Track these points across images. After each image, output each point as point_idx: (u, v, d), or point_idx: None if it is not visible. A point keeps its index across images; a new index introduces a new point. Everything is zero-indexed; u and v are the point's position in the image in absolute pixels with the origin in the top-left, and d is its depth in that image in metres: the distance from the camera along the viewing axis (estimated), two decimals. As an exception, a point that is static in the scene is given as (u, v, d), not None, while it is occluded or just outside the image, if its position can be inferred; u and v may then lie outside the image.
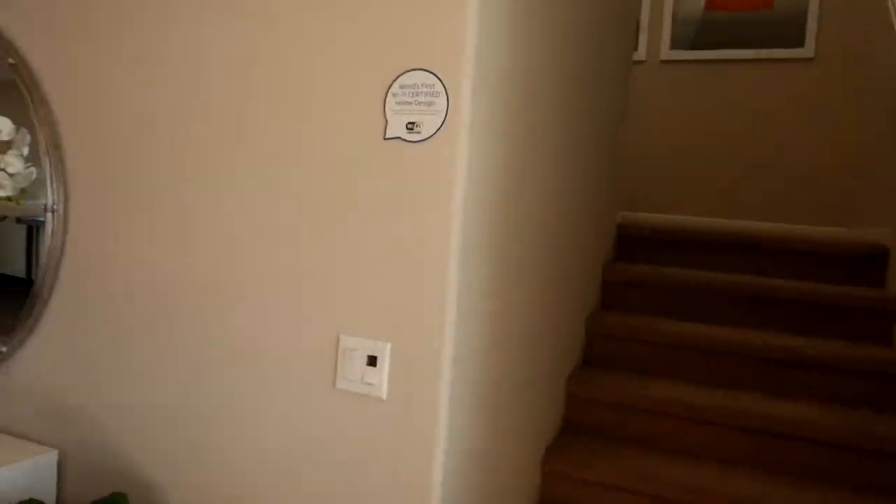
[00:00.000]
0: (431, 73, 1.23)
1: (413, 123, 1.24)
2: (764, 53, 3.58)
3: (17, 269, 1.76)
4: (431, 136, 1.23)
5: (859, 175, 3.43)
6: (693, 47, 3.72)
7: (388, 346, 1.29)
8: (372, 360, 1.30)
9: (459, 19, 1.21)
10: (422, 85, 1.24)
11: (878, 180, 3.06)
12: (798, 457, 1.92)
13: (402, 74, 1.26)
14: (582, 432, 2.18)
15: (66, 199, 1.64)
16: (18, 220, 1.73)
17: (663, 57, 3.84)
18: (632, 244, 2.81)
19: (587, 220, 2.32)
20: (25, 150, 1.67)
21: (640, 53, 3.79)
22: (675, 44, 3.77)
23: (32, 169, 1.66)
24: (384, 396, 1.28)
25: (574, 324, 2.29)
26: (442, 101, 1.22)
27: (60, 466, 1.66)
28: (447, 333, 1.25)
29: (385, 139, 1.27)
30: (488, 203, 1.35)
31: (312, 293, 1.36)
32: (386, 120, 1.27)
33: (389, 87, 1.27)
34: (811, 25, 3.47)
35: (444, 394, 1.24)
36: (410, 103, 1.25)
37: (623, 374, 2.31)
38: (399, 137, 1.26)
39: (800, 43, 3.51)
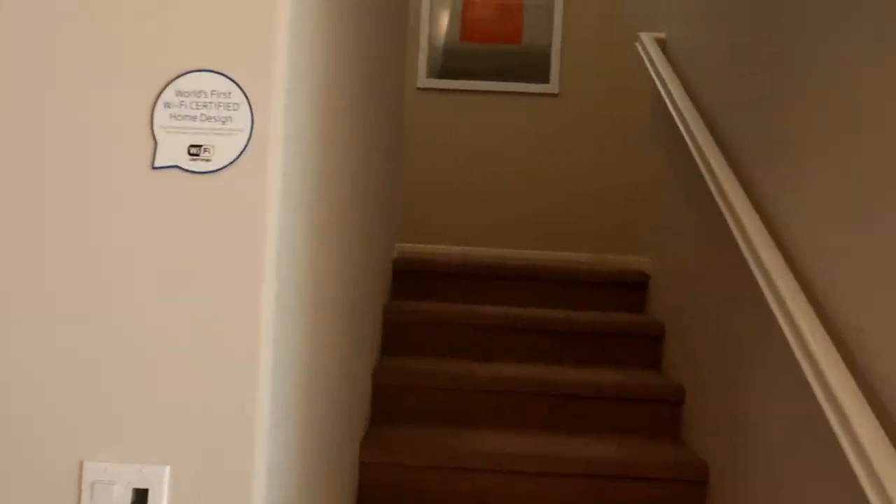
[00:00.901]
0: (227, 77, 0.87)
1: (199, 147, 0.87)
2: (514, 87, 3.70)
3: None
4: (229, 164, 0.87)
5: (609, 208, 3.68)
6: (449, 76, 3.71)
7: (167, 470, 0.88)
8: (141, 496, 0.87)
9: (267, 3, 0.87)
10: (212, 93, 0.87)
11: (628, 212, 3.29)
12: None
13: (179, 77, 0.87)
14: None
15: None
16: None
17: (419, 84, 3.77)
18: (409, 279, 2.62)
19: (373, 259, 2.06)
20: None
21: (395, 79, 3.67)
22: (432, 72, 3.73)
23: None
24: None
25: (365, 378, 2.00)
26: (243, 115, 0.87)
27: None
28: (259, 447, 0.88)
29: (154, 169, 0.87)
30: (304, 259, 1.02)
31: (39, 398, 0.89)
32: (155, 141, 0.87)
33: (160, 95, 0.87)
34: (555, 62, 3.68)
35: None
36: (194, 118, 0.87)
37: (415, 430, 2.08)
38: (177, 166, 0.87)
39: (545, 79, 3.70)
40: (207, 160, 0.86)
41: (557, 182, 3.69)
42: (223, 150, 0.86)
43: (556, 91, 3.69)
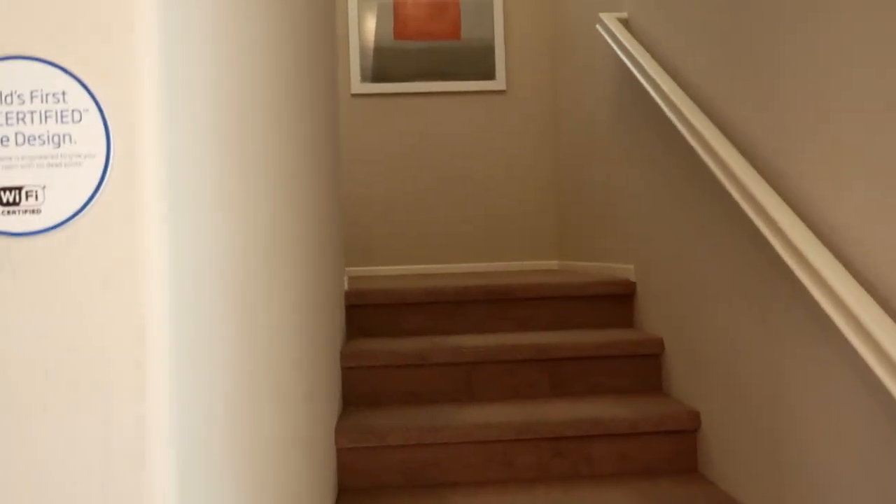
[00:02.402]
0: (58, 66, 0.51)
1: (16, 190, 0.50)
2: (457, 86, 3.39)
3: None
4: (73, 216, 0.51)
5: (571, 211, 3.40)
6: (385, 79, 3.37)
7: None
8: None
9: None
10: (32, 95, 0.51)
11: (589, 218, 3.01)
12: None
13: (-30, 70, 0.51)
14: None
15: None
16: None
17: (354, 90, 3.41)
18: (362, 312, 2.27)
19: (323, 300, 1.69)
20: None
21: (326, 87, 3.29)
22: (365, 76, 3.38)
23: None
24: None
25: (329, 449, 1.64)
26: (92, 130, 0.51)
27: None
28: None
29: (-62, 232, 0.50)
30: (221, 360, 0.66)
31: None
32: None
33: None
34: (499, 57, 3.38)
35: None
36: (7, 140, 0.51)
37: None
38: (-20, 226, 0.50)
39: (490, 75, 3.40)
40: (34, 211, 0.50)
41: (513, 185, 3.39)
42: (62, 191, 0.50)
43: (503, 87, 3.39)
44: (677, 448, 1.79)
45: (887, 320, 1.03)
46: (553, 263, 3.38)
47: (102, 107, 0.50)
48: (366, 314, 2.25)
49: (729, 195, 1.58)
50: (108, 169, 0.50)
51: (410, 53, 3.38)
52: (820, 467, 1.26)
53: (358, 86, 3.38)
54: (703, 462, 1.75)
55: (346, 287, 2.28)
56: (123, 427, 0.51)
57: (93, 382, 0.51)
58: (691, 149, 1.77)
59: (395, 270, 3.36)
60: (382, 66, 3.37)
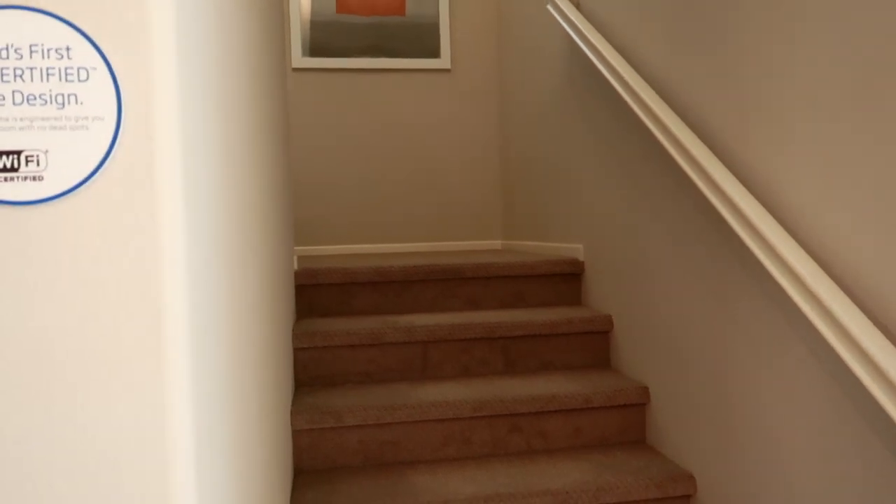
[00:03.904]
0: (61, 19, 0.46)
1: (16, 154, 0.46)
2: (400, 63, 3.34)
3: None
4: (79, 185, 0.47)
5: (514, 191, 3.42)
6: (325, 54, 3.28)
7: None
8: None
9: None
10: (32, 49, 0.46)
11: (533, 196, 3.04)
12: None
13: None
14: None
15: None
16: None
17: (295, 65, 3.31)
18: (312, 291, 2.22)
19: (279, 277, 1.64)
20: None
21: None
22: (307, 50, 3.28)
23: None
24: None
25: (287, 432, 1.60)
26: (101, 90, 0.47)
27: None
28: None
29: (-75, 201, 0.45)
30: (224, 344, 0.63)
31: None
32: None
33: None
34: (444, 35, 3.34)
35: None
36: (2, 99, 0.46)
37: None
38: (-27, 194, 0.46)
39: (435, 53, 3.36)
40: (36, 178, 0.46)
41: (458, 165, 3.39)
42: (67, 157, 0.46)
43: (447, 66, 3.36)
44: (627, 421, 1.85)
45: (841, 294, 1.09)
46: (497, 243, 3.40)
47: (113, 65, 0.46)
48: (316, 293, 2.20)
49: (683, 174, 1.63)
50: (120, 133, 0.46)
51: (354, 28, 3.30)
52: (769, 438, 1.32)
53: (299, 60, 3.29)
54: (652, 434, 1.81)
55: (295, 266, 2.23)
56: (139, 414, 0.48)
57: (102, 361, 0.47)
58: (644, 128, 1.81)
59: (335, 250, 3.30)
60: (324, 40, 3.29)
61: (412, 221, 3.35)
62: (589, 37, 2.01)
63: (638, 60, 1.85)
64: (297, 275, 2.19)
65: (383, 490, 1.58)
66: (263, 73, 1.28)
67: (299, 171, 3.29)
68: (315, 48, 3.27)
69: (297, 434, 1.73)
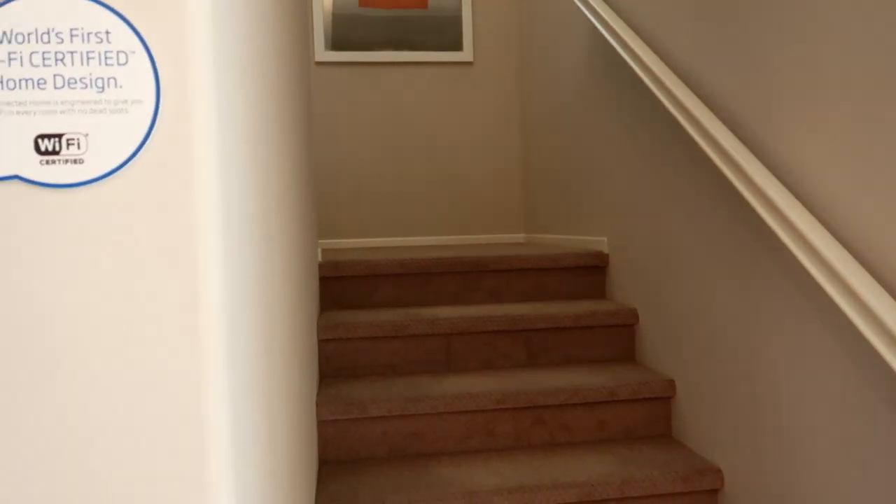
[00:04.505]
0: (107, 6, 0.47)
1: (56, 137, 0.46)
2: (423, 56, 3.34)
3: None
4: (118, 168, 0.47)
5: (535, 184, 3.41)
6: (348, 48, 3.28)
7: None
8: None
9: None
10: (72, 33, 0.47)
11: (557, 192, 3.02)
12: None
13: None
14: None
15: None
16: None
17: (318, 58, 3.32)
18: (335, 283, 2.23)
19: (306, 270, 1.65)
20: None
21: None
22: (330, 43, 3.29)
23: None
24: None
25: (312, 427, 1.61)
26: (140, 73, 0.47)
27: None
28: None
29: (-31, 184, 0.46)
30: (253, 333, 0.63)
31: None
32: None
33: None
34: (467, 27, 3.33)
35: None
36: (41, 82, 0.46)
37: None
38: (16, 177, 0.46)
39: (457, 46, 3.35)
40: (76, 161, 0.46)
41: (480, 158, 3.38)
42: (106, 140, 0.47)
43: (469, 59, 3.36)
44: (652, 415, 1.83)
45: (875, 284, 1.07)
46: (520, 237, 3.39)
47: (151, 49, 0.47)
48: (339, 286, 2.21)
49: (710, 164, 1.61)
50: (158, 117, 0.47)
51: (376, 21, 3.31)
52: (799, 431, 1.30)
53: (322, 53, 3.30)
54: (677, 428, 1.80)
55: (319, 258, 2.24)
56: (176, 391, 0.48)
57: (142, 340, 0.48)
58: (669, 118, 1.79)
59: (356, 243, 3.32)
60: (347, 33, 3.29)
61: (434, 215, 3.35)
62: (613, 25, 1.99)
63: (662, 48, 1.83)
64: (321, 267, 2.20)
65: (408, 481, 1.59)
66: (290, 65, 1.29)
67: (321, 165, 3.31)
68: (337, 42, 3.28)
69: (321, 425, 1.74)
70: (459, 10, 3.33)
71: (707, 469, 1.58)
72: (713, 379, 1.61)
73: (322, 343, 1.98)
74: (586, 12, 2.20)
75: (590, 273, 2.29)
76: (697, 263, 1.67)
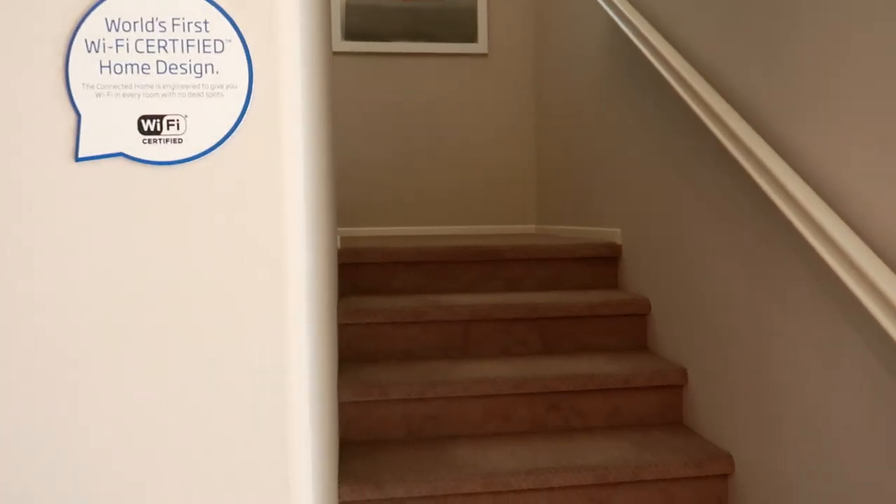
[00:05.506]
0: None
1: (158, 119, 0.50)
2: (437, 48, 3.37)
3: None
4: (214, 147, 0.51)
5: (550, 174, 3.44)
6: (363, 38, 3.31)
7: None
8: None
9: None
10: (175, 22, 0.50)
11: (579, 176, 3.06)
12: None
13: (111, -5, 0.50)
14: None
15: None
16: None
17: (335, 48, 3.35)
18: (355, 270, 2.27)
19: (328, 253, 1.69)
20: None
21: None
22: (346, 33, 3.32)
23: None
24: None
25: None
26: (235, 61, 0.51)
27: None
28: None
29: (78, 161, 0.50)
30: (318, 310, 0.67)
31: None
32: (76, 112, 0.49)
33: (78, 27, 0.50)
34: (482, 19, 3.36)
35: None
36: (146, 67, 0.50)
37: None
38: (121, 154, 0.50)
39: (472, 38, 3.38)
40: (176, 140, 0.50)
41: (493, 149, 3.41)
42: (203, 121, 0.50)
43: (484, 51, 3.39)
44: (665, 402, 1.88)
45: (892, 274, 1.11)
46: (531, 227, 3.43)
47: (245, 38, 0.51)
48: (358, 272, 2.26)
49: (726, 155, 1.64)
50: (251, 101, 0.51)
51: (391, 12, 3.33)
52: (809, 419, 1.35)
53: (338, 43, 3.33)
54: (689, 415, 1.84)
55: (338, 245, 2.28)
56: (263, 349, 0.52)
57: (234, 312, 0.52)
58: (686, 110, 1.82)
59: (372, 231, 3.36)
60: (362, 24, 3.32)
61: (446, 204, 3.39)
62: (631, 18, 2.02)
63: (679, 39, 1.86)
64: (340, 254, 2.24)
65: (427, 463, 1.64)
66: (324, 55, 1.33)
67: (339, 154, 3.34)
68: (352, 32, 3.31)
69: (343, 406, 1.79)
70: (475, 1, 3.36)
71: (718, 455, 1.63)
72: (725, 367, 1.65)
73: (342, 327, 2.03)
74: (604, 5, 2.23)
75: (604, 263, 2.33)
76: (710, 253, 1.71)
